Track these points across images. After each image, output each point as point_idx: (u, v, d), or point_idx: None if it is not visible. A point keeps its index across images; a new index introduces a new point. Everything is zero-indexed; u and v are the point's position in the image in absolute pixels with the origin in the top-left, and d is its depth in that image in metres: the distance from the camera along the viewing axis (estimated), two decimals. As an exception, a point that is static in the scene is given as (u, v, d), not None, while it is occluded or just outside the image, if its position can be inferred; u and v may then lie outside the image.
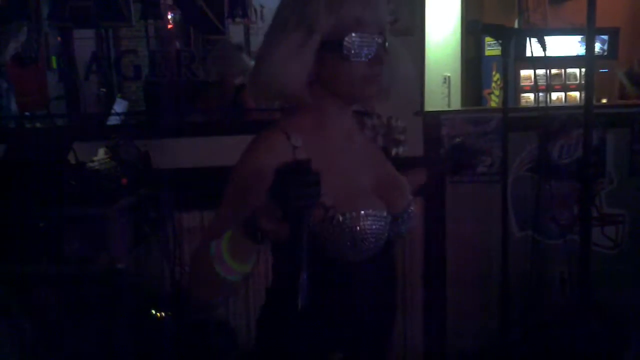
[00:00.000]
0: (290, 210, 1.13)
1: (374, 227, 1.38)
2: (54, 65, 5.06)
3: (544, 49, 2.60)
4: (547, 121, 3.36)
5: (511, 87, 4.33)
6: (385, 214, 1.42)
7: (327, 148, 1.43)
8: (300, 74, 1.37)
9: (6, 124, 3.70)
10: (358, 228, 1.36)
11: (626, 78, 4.77)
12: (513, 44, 2.98)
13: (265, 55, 1.40)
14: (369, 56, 1.38)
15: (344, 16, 1.35)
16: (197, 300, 1.43)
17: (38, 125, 3.87)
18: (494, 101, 4.73)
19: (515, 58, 4.24)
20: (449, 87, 5.74)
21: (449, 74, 5.72)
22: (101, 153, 2.89)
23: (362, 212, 1.37)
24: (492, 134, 3.35)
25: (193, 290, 1.42)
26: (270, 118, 3.95)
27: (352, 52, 1.35)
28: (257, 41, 5.04)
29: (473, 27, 4.33)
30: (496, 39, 2.84)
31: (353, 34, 1.35)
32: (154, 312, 2.81)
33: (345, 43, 1.35)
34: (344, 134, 1.51)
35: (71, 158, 2.67)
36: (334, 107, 1.46)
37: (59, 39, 4.60)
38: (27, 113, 4.08)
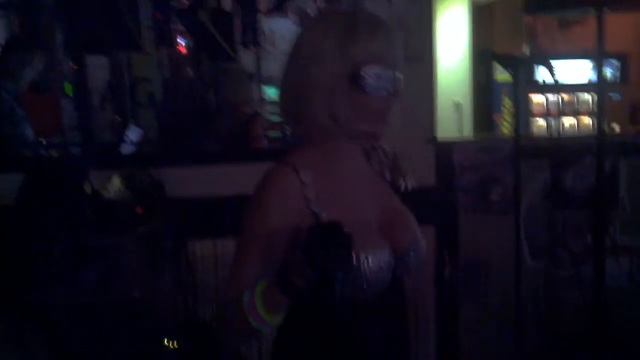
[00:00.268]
0: (321, 273, 1.18)
1: (377, 267, 1.39)
2: (69, 92, 5.15)
3: (553, 76, 2.62)
4: (559, 150, 3.36)
5: (522, 112, 4.34)
6: (388, 253, 1.43)
7: (335, 184, 1.45)
8: (330, 105, 1.39)
9: (22, 151, 3.73)
10: (361, 269, 1.37)
11: None
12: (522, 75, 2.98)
13: (297, 84, 1.42)
14: (386, 91, 1.40)
15: (364, 50, 1.37)
16: (224, 343, 1.44)
17: (53, 152, 3.91)
18: (505, 126, 4.74)
19: (526, 83, 4.26)
20: (459, 113, 5.76)
21: (459, 100, 5.75)
22: (116, 182, 2.91)
23: (366, 253, 1.38)
24: (503, 162, 3.36)
25: (220, 334, 1.44)
26: (280, 146, 3.99)
27: (371, 85, 1.38)
28: (267, 66, 5.09)
29: (484, 57, 4.35)
30: (506, 68, 2.86)
31: (372, 68, 1.38)
32: (167, 341, 2.82)
33: (364, 76, 1.37)
34: (352, 169, 1.52)
35: (87, 187, 2.70)
36: (344, 142, 1.47)
37: (72, 65, 4.68)
38: (42, 140, 4.11)
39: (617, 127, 4.40)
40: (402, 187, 1.63)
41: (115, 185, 2.89)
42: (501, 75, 4.74)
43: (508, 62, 2.71)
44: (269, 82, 6.70)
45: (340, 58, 1.37)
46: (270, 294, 1.28)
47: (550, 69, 2.48)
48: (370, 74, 1.37)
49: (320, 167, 1.44)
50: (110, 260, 2.57)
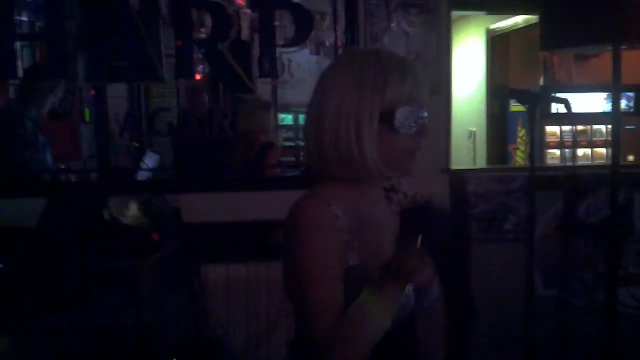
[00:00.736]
0: (432, 241, 1.31)
1: (405, 298, 1.42)
2: (87, 118, 5.23)
3: (569, 111, 2.64)
4: (573, 180, 3.38)
5: (537, 143, 4.36)
6: (409, 288, 1.44)
7: (360, 220, 1.47)
8: (374, 140, 1.42)
9: (43, 176, 3.80)
10: None
11: None
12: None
13: (338, 123, 1.43)
14: (416, 129, 1.44)
15: (396, 91, 1.42)
16: None
17: (72, 178, 3.97)
18: (520, 156, 4.76)
19: (541, 115, 4.28)
20: (474, 142, 5.79)
21: (474, 129, 5.78)
22: (134, 208, 2.96)
23: None
24: (517, 192, 3.38)
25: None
26: (293, 175, 4.03)
27: (403, 124, 1.42)
28: (284, 94, 5.15)
29: (499, 92, 4.38)
30: (522, 104, 2.88)
31: (404, 108, 1.42)
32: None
33: (397, 116, 1.41)
34: (375, 207, 1.54)
35: (105, 213, 2.75)
36: (370, 180, 1.51)
37: (92, 92, 4.76)
38: (61, 165, 4.19)
39: (631, 158, 4.42)
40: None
41: (132, 211, 2.94)
42: (515, 106, 4.77)
43: (524, 97, 2.73)
44: (285, 109, 6.79)
45: (372, 99, 1.41)
46: (383, 289, 1.35)
47: (567, 106, 2.50)
48: (402, 113, 1.42)
49: (346, 203, 1.47)
50: (125, 285, 2.61)
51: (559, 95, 3.59)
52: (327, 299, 1.37)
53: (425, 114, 1.46)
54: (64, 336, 2.57)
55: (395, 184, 1.62)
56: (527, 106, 2.66)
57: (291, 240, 1.41)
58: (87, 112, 5.18)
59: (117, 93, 4.72)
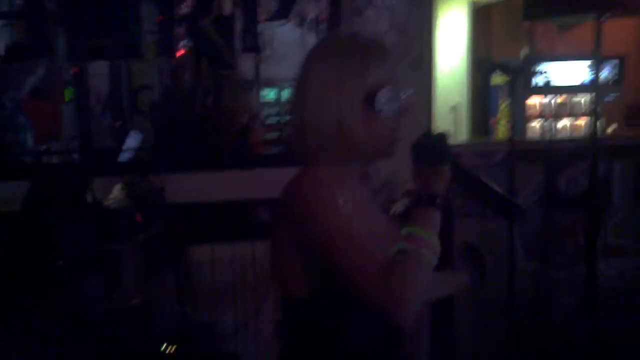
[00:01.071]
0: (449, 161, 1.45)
1: None
2: (67, 98, 5.19)
3: (548, 84, 2.66)
4: (553, 153, 3.41)
5: (518, 115, 4.38)
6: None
7: (349, 202, 1.49)
8: (359, 125, 1.44)
9: (24, 158, 3.79)
10: None
11: None
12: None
13: (320, 111, 1.45)
14: (397, 109, 1.47)
15: (377, 75, 1.44)
16: (410, 315, 1.36)
17: (54, 159, 3.96)
18: (501, 130, 4.78)
19: (523, 87, 4.29)
20: (456, 115, 5.80)
21: (456, 102, 5.79)
22: (117, 190, 2.95)
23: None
24: (498, 166, 3.41)
25: (404, 309, 1.35)
26: (277, 152, 4.03)
27: (386, 105, 1.44)
28: (267, 69, 5.13)
29: (482, 65, 4.39)
30: (505, 76, 2.91)
31: (386, 89, 1.44)
32: (165, 346, 2.87)
33: (379, 97, 1.43)
34: (355, 190, 1.56)
35: (89, 196, 2.75)
36: (350, 165, 1.53)
37: (73, 71, 4.72)
38: (43, 146, 4.17)
39: (612, 128, 4.45)
40: (392, 212, 1.68)
41: (115, 192, 2.94)
42: (497, 79, 4.78)
43: (507, 69, 2.76)
44: (268, 84, 6.76)
45: (354, 85, 1.43)
46: (421, 216, 1.40)
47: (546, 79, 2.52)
48: (384, 94, 1.43)
49: (337, 187, 1.48)
50: (110, 268, 2.62)
51: (540, 68, 3.63)
52: (369, 253, 1.38)
53: (404, 94, 1.48)
54: (50, 320, 2.58)
55: (368, 170, 1.64)
56: (509, 77, 2.69)
57: (309, 218, 1.40)
58: (67, 92, 5.15)
59: (98, 71, 4.69)
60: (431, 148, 1.47)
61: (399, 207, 1.72)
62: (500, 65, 2.95)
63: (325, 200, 1.41)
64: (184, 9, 3.76)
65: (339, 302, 1.43)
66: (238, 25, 3.71)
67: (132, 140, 4.14)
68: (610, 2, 2.73)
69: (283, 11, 3.71)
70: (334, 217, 1.39)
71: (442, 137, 1.48)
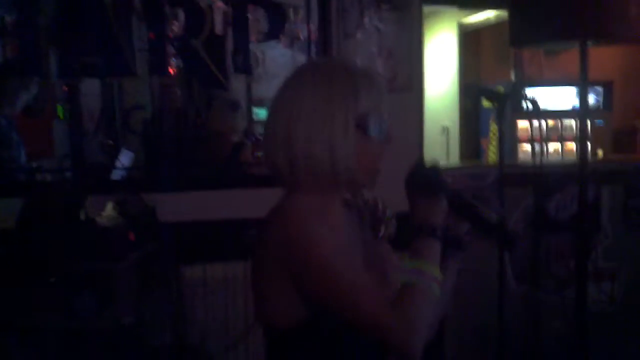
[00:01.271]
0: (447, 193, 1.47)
1: None
2: (61, 115, 5.19)
3: (537, 110, 2.70)
4: (542, 177, 3.44)
5: (508, 138, 4.42)
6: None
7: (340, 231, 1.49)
8: (351, 152, 1.43)
9: (17, 175, 3.78)
10: None
11: None
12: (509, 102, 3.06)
13: (310, 138, 1.42)
14: (385, 136, 1.47)
15: (366, 100, 1.44)
16: (420, 348, 1.34)
17: (47, 177, 3.95)
18: (492, 151, 4.82)
19: (512, 110, 4.33)
20: (447, 137, 5.85)
21: (447, 124, 5.84)
22: (109, 208, 2.96)
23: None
24: (489, 189, 3.44)
25: (416, 343, 1.34)
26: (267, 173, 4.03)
27: (376, 130, 1.44)
28: (258, 89, 5.16)
29: (470, 91, 4.45)
30: (492, 102, 2.94)
31: (376, 113, 1.45)
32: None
33: (370, 121, 1.43)
34: (343, 218, 1.55)
35: (81, 214, 2.75)
36: (336, 191, 1.52)
37: (65, 88, 4.72)
38: (34, 164, 4.16)
39: (601, 153, 4.49)
40: (381, 234, 1.70)
41: (108, 211, 2.94)
42: (488, 102, 4.82)
43: (494, 96, 2.80)
44: (259, 104, 6.79)
45: (345, 110, 1.42)
46: (426, 245, 1.42)
47: (535, 105, 2.56)
48: (374, 119, 1.44)
49: (323, 211, 1.46)
50: (103, 286, 2.62)
51: (528, 94, 3.67)
52: (373, 286, 1.36)
53: (388, 121, 1.48)
54: (43, 337, 2.58)
55: (357, 195, 1.64)
56: (496, 104, 2.72)
57: (307, 257, 1.35)
58: (60, 109, 5.14)
59: (90, 90, 4.69)
60: (425, 179, 1.48)
61: (390, 229, 1.73)
62: (486, 92, 2.99)
63: (320, 230, 1.37)
64: (176, 29, 3.78)
65: (328, 335, 1.40)
66: (229, 45, 3.74)
67: (124, 159, 4.14)
68: (594, 30, 2.78)
69: (274, 32, 3.75)
70: (331, 249, 1.35)
71: (434, 167, 1.49)
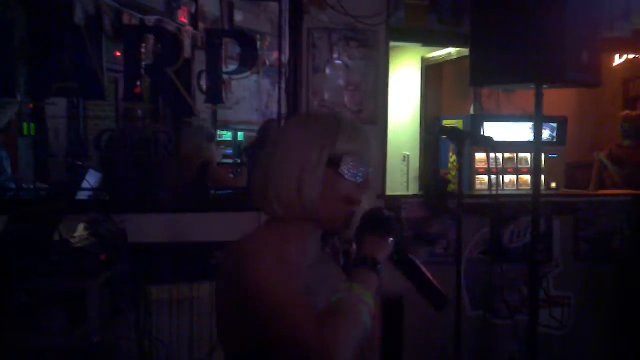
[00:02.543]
0: (391, 235, 1.54)
1: None
2: (25, 132, 5.21)
3: (493, 148, 2.86)
4: (498, 207, 3.61)
5: (467, 169, 4.58)
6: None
7: (303, 266, 1.56)
8: (317, 187, 1.53)
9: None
10: None
11: (607, 160, 5.11)
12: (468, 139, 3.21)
13: (283, 170, 1.54)
14: (360, 180, 1.56)
15: (345, 144, 1.54)
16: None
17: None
18: (451, 181, 4.96)
19: (471, 143, 4.49)
20: (407, 166, 6.02)
21: (408, 153, 6.01)
22: (80, 228, 3.02)
23: None
24: (447, 218, 3.58)
25: (339, 356, 1.37)
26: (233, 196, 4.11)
27: (349, 171, 1.53)
28: (224, 112, 5.22)
29: (432, 129, 4.60)
30: (452, 141, 3.10)
31: (352, 156, 1.54)
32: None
33: (344, 161, 1.53)
34: (315, 251, 1.65)
35: (55, 234, 2.80)
36: (311, 225, 1.60)
37: (30, 106, 4.75)
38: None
39: (554, 185, 4.67)
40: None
41: (79, 231, 3.00)
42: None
43: (454, 136, 2.96)
44: (224, 127, 6.90)
45: (320, 147, 1.53)
46: (364, 277, 1.48)
47: (492, 145, 2.72)
48: (348, 160, 1.53)
49: (297, 243, 1.56)
50: (74, 305, 2.67)
51: (485, 132, 3.86)
52: (304, 302, 1.43)
53: (371, 170, 1.58)
54: (13, 355, 2.61)
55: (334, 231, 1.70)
56: (456, 143, 2.88)
57: (250, 275, 1.44)
58: (25, 126, 5.15)
59: (54, 110, 4.73)
60: (380, 219, 1.55)
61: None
62: (448, 131, 3.15)
63: (265, 255, 1.45)
64: (150, 56, 3.85)
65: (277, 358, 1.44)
66: (196, 68, 3.82)
67: (91, 179, 4.17)
68: (550, 75, 2.96)
69: (247, 64, 3.83)
70: (272, 272, 1.43)
71: (391, 214, 1.58)
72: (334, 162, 1.53)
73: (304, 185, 1.52)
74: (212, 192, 4.12)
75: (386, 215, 1.57)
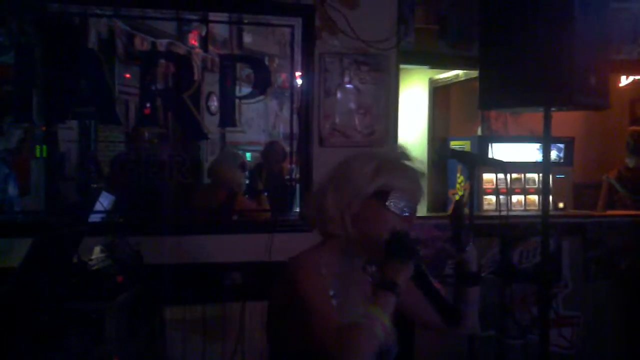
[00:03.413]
0: (414, 259, 1.68)
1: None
2: (38, 154, 5.25)
3: (504, 171, 2.90)
4: (508, 228, 3.63)
5: (475, 189, 4.60)
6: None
7: (340, 282, 1.78)
8: (362, 214, 1.74)
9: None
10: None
11: (616, 182, 5.14)
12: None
13: (335, 195, 1.78)
14: (405, 214, 1.74)
15: (392, 180, 1.74)
16: None
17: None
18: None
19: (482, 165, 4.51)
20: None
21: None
22: (97, 251, 3.06)
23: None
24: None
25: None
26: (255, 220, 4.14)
27: (395, 204, 1.73)
28: (232, 133, 5.24)
29: (442, 152, 4.64)
30: (463, 164, 3.13)
31: (400, 192, 1.74)
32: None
33: (392, 194, 1.73)
34: (354, 274, 1.86)
35: (75, 256, 2.86)
36: (353, 252, 1.81)
37: (43, 129, 4.80)
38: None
39: (561, 205, 4.70)
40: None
41: (96, 253, 3.05)
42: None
43: (465, 159, 3.00)
44: (233, 148, 6.93)
45: (363, 179, 1.75)
46: (382, 299, 1.64)
47: (502, 166, 2.76)
48: (396, 193, 1.73)
49: (332, 267, 1.77)
50: (92, 326, 2.71)
51: (494, 156, 3.89)
52: (329, 314, 1.64)
53: (416, 210, 1.78)
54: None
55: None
56: (467, 167, 2.92)
57: (292, 285, 1.69)
58: (38, 148, 5.20)
59: (64, 136, 4.78)
60: (406, 244, 1.68)
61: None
62: (458, 154, 3.18)
63: (309, 268, 1.71)
64: (165, 81, 3.89)
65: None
66: (205, 89, 3.88)
67: (104, 201, 4.21)
68: (557, 98, 3.00)
69: (260, 89, 3.88)
70: (308, 281, 1.67)
71: (415, 237, 1.72)
72: (382, 194, 1.72)
73: (346, 210, 1.74)
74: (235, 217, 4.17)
75: (411, 240, 1.70)
